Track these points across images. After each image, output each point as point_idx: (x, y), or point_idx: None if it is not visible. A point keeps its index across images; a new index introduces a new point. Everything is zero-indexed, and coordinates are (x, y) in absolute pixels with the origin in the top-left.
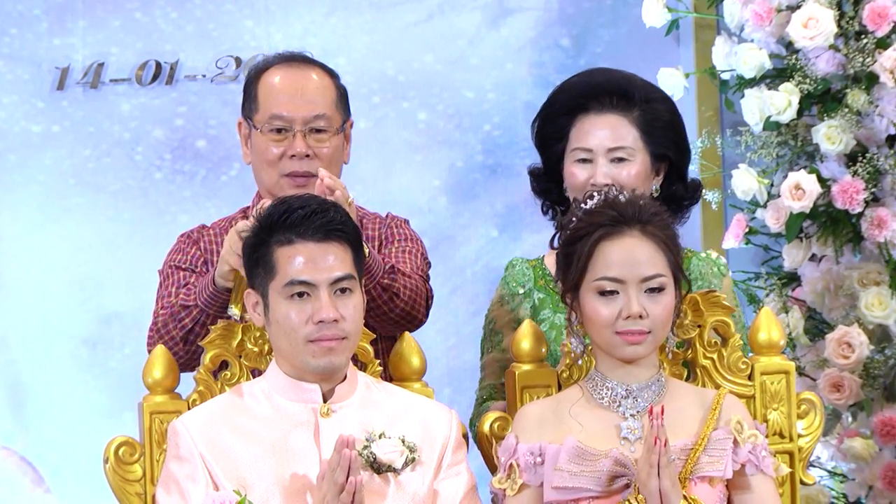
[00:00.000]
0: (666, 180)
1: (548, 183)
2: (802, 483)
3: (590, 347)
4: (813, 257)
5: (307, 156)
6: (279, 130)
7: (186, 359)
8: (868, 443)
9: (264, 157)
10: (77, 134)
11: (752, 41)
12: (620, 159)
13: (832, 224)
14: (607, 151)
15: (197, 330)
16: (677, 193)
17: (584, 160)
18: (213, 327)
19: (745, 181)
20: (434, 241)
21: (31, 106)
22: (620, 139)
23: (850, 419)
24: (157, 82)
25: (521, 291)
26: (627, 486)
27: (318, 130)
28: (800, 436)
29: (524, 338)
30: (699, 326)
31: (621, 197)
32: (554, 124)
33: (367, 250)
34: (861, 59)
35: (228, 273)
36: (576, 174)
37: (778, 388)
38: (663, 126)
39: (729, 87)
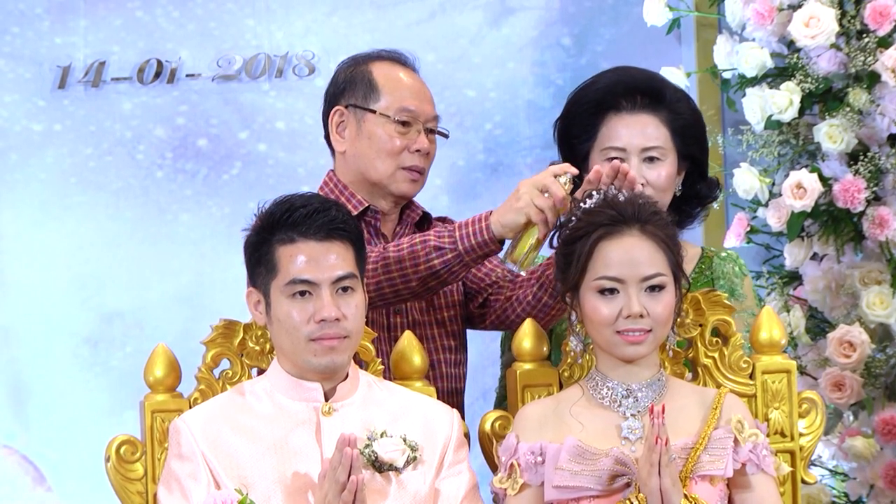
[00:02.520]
0: (687, 179)
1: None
2: (804, 482)
3: (590, 346)
4: (814, 256)
5: (427, 154)
6: (404, 123)
7: (407, 297)
8: (869, 442)
9: (384, 145)
10: (78, 133)
11: (753, 40)
12: (653, 159)
13: (833, 223)
14: (640, 151)
15: (443, 275)
16: (701, 192)
17: (614, 160)
18: (213, 326)
19: (747, 180)
20: None
21: (33, 104)
22: (654, 139)
23: (851, 418)
24: (158, 81)
25: None
26: (628, 485)
27: (432, 131)
28: (801, 435)
29: (525, 337)
30: (700, 325)
31: (620, 196)
32: (581, 122)
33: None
34: (862, 58)
35: (517, 225)
36: None
37: (779, 387)
38: (690, 126)
39: (730, 86)
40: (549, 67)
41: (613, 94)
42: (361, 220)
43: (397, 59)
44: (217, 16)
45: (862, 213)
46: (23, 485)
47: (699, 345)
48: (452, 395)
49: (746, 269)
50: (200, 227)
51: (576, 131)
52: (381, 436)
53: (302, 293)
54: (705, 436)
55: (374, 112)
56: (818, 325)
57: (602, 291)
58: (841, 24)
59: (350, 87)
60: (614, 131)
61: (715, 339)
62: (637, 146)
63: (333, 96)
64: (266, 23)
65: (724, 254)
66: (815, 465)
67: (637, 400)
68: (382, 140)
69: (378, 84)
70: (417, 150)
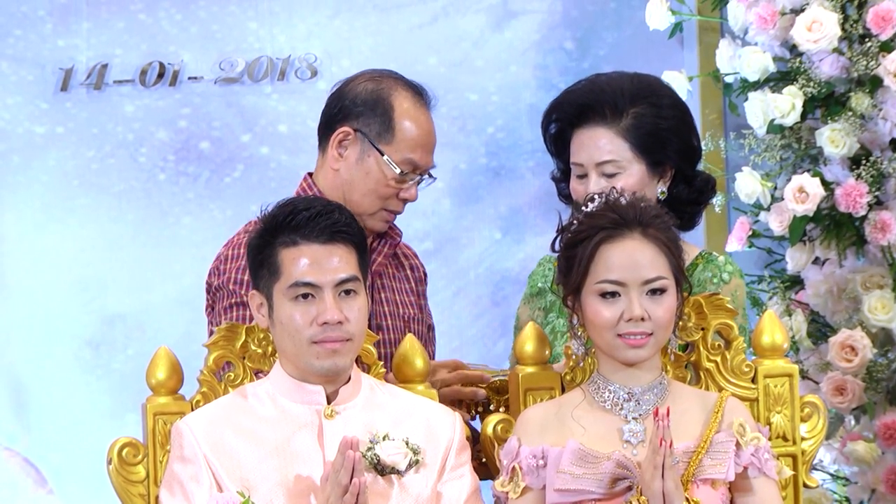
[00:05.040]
0: (672, 182)
1: (569, 188)
2: (805, 486)
3: (592, 350)
4: (816, 260)
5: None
6: (402, 173)
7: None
8: (871, 446)
9: (377, 187)
10: (81, 135)
11: (755, 44)
12: (612, 173)
13: (835, 227)
14: (596, 166)
15: None
16: (681, 195)
17: (580, 175)
18: (216, 328)
19: (749, 184)
20: (437, 244)
21: (35, 107)
22: (608, 153)
23: (852, 422)
24: (160, 84)
25: (537, 290)
26: (630, 488)
27: (425, 178)
28: (803, 439)
29: (527, 340)
30: (702, 329)
31: (622, 199)
32: (558, 139)
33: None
34: (865, 63)
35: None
36: (576, 189)
37: (781, 391)
38: (658, 132)
39: (733, 90)
40: (551, 71)
41: (575, 115)
42: None
43: (420, 96)
44: (219, 18)
45: (864, 218)
46: (24, 487)
47: (701, 348)
48: None
49: (733, 276)
50: (202, 229)
51: (556, 144)
52: (384, 439)
53: (304, 296)
54: (707, 439)
55: (381, 153)
56: (820, 330)
57: (603, 295)
58: (843, 29)
59: (368, 112)
60: (575, 147)
61: (717, 343)
62: (592, 161)
63: (348, 111)
64: (268, 25)
65: (711, 259)
66: (817, 470)
67: (639, 404)
68: (378, 181)
69: (395, 125)
70: (405, 199)
